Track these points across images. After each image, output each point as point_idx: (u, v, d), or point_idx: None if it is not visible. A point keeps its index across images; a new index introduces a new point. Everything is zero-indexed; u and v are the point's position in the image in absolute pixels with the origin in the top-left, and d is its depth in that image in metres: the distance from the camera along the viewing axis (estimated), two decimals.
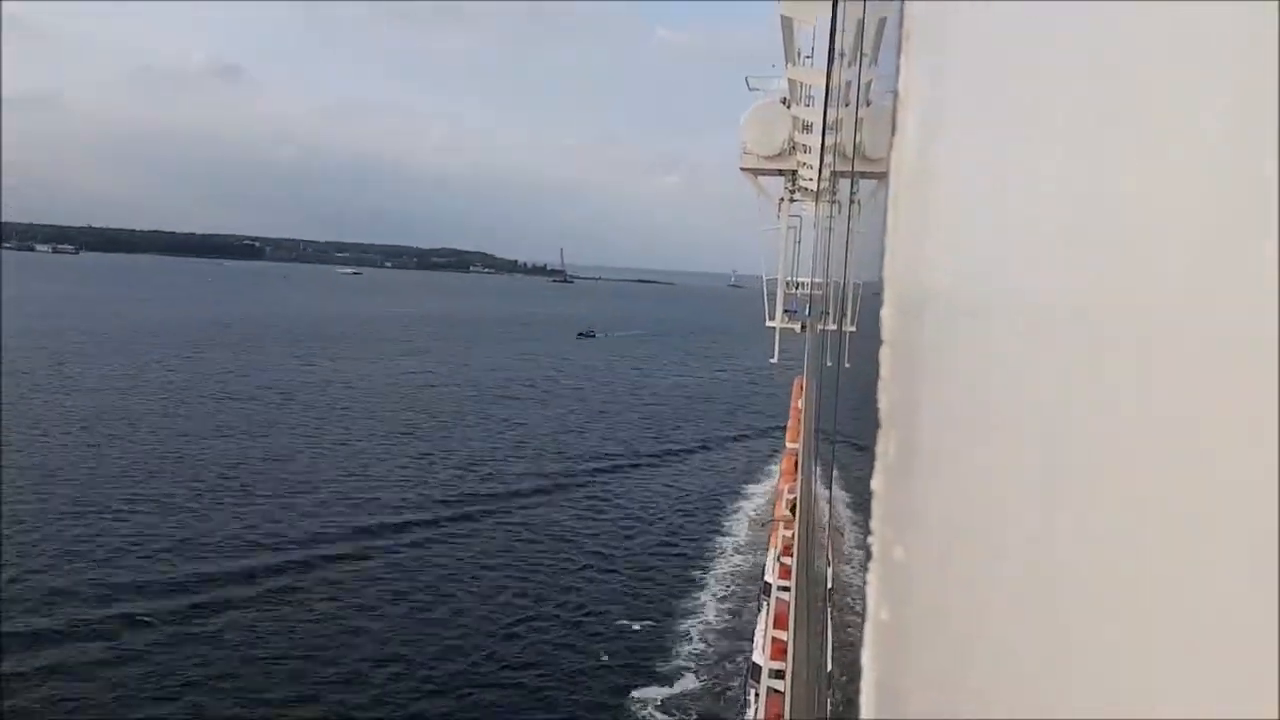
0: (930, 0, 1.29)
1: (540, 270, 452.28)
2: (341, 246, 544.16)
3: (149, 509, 34.80)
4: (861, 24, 3.58)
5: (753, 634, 21.48)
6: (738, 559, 33.19)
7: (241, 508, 35.47)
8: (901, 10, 1.46)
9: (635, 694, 23.58)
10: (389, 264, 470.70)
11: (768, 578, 20.05)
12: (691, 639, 26.73)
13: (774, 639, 15.09)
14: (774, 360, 28.85)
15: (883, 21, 2.50)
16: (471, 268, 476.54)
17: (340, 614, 26.81)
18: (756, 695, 16.25)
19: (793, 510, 18.27)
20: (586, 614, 28.23)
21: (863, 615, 1.33)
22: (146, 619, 25.37)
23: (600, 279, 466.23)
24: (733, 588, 30.47)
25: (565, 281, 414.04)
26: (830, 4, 9.00)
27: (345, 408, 57.83)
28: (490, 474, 42.87)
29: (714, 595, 29.92)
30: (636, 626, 27.39)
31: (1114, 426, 0.57)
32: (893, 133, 1.32)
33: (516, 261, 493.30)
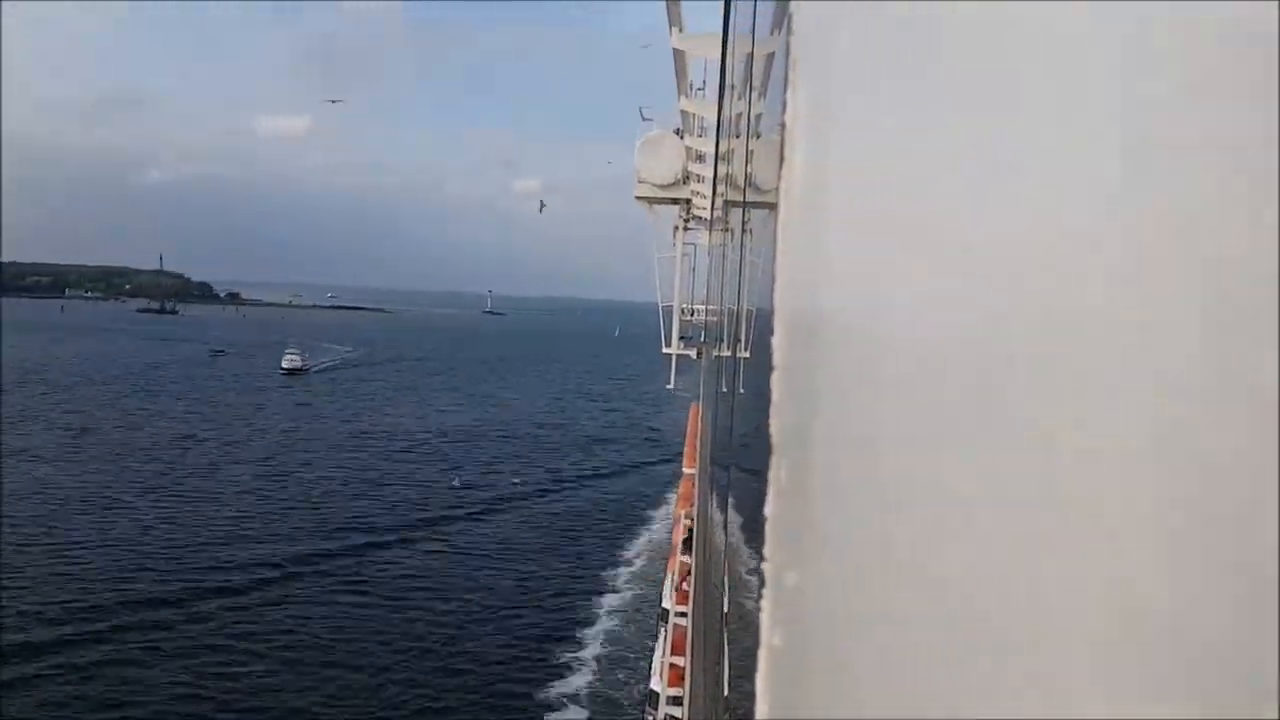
0: (815, 35, 1.32)
1: (210, 296, 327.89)
2: None
3: None
4: (750, 58, 3.67)
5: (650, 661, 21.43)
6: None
7: None
8: (788, 45, 1.49)
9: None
10: None
11: (665, 604, 20.04)
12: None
13: (671, 665, 15.09)
14: (670, 386, 29.07)
15: (770, 56, 2.56)
16: (68, 291, 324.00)
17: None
18: None
19: (690, 536, 18.37)
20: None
21: (757, 641, 1.33)
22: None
23: (294, 303, 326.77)
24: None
25: (165, 312, 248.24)
26: (720, 38, 9.24)
27: None
28: None
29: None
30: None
31: (1003, 447, 0.56)
32: (781, 164, 1.35)
33: (208, 285, 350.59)
